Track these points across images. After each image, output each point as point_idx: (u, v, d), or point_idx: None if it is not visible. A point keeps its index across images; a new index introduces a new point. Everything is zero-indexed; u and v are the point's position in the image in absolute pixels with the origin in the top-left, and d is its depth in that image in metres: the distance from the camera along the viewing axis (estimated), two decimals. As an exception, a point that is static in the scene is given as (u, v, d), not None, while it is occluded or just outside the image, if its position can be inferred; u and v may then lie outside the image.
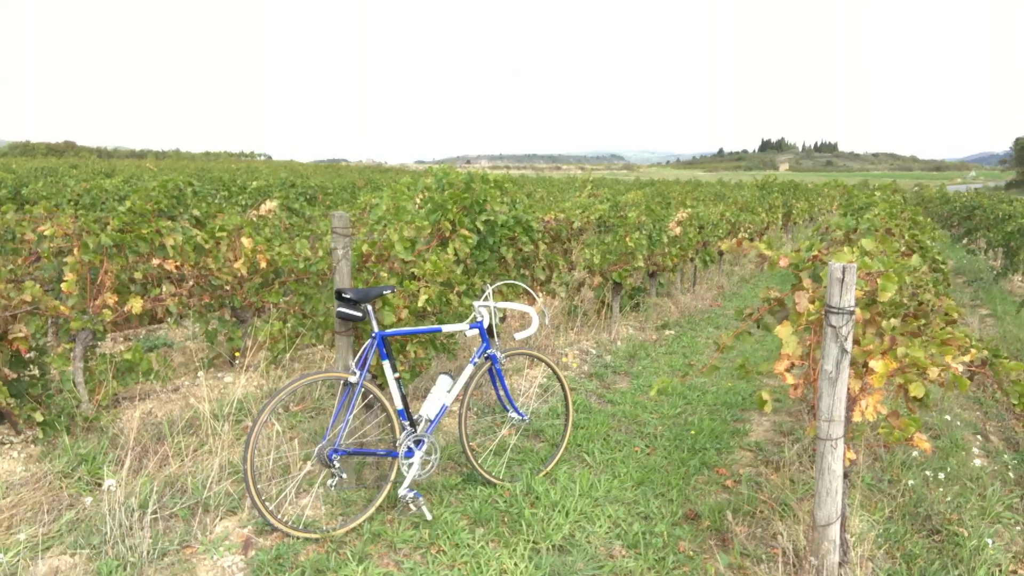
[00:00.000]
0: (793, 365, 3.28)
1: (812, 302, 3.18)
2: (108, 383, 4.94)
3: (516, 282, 4.51)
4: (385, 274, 4.16)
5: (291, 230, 6.81)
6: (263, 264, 5.82)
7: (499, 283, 4.26)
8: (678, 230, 8.54)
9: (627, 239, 7.10)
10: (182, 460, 4.21)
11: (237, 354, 5.93)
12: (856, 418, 3.10)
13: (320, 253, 5.71)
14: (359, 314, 3.65)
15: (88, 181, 13.01)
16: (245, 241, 5.80)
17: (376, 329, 3.67)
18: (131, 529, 3.32)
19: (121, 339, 7.31)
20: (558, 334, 7.37)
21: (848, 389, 2.99)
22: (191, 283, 5.60)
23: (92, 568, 3.16)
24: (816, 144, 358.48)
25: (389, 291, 3.80)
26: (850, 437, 3.18)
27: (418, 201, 4.22)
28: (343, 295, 3.64)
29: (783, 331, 3.19)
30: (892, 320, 3.22)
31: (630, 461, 4.59)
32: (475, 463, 4.05)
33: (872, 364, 3.08)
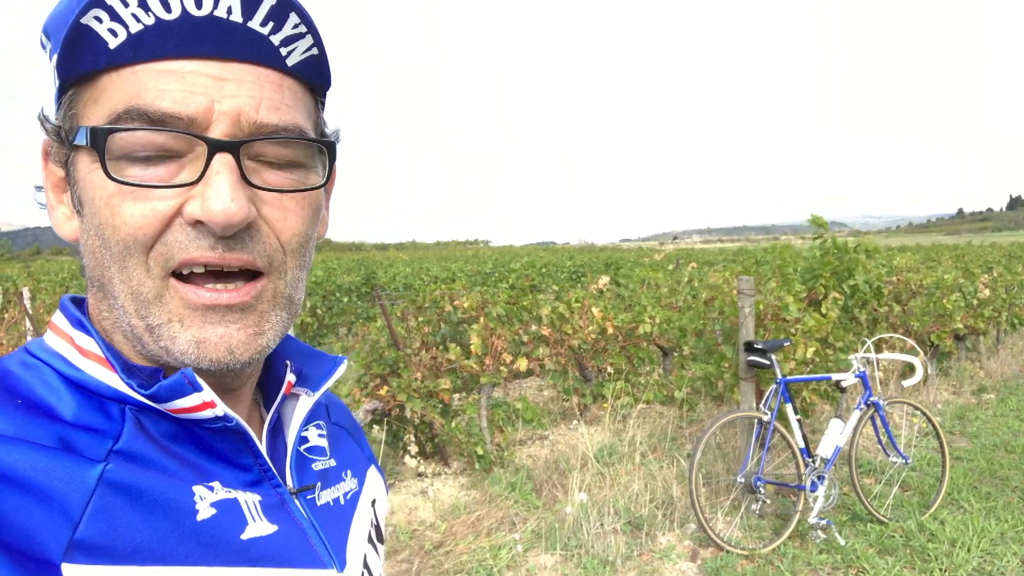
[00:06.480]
0: None
1: None
2: (508, 428, 5.97)
3: (897, 335, 4.94)
4: (765, 331, 4.79)
5: (618, 301, 7.72)
6: (610, 329, 6.73)
7: (876, 337, 4.71)
8: (987, 292, 8.37)
9: (944, 300, 7.18)
10: (589, 490, 5.02)
11: (606, 405, 6.80)
12: None
13: (646, 318, 6.71)
14: (767, 362, 4.28)
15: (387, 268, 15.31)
16: (595, 311, 6.76)
17: (780, 375, 4.27)
18: (604, 536, 4.11)
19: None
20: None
21: None
22: (557, 346, 6.60)
23: (571, 564, 3.96)
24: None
25: (788, 343, 4.40)
26: None
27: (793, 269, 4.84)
28: (754, 346, 4.30)
29: None
30: None
31: (1014, 509, 4.70)
32: (866, 502, 4.44)
33: None
